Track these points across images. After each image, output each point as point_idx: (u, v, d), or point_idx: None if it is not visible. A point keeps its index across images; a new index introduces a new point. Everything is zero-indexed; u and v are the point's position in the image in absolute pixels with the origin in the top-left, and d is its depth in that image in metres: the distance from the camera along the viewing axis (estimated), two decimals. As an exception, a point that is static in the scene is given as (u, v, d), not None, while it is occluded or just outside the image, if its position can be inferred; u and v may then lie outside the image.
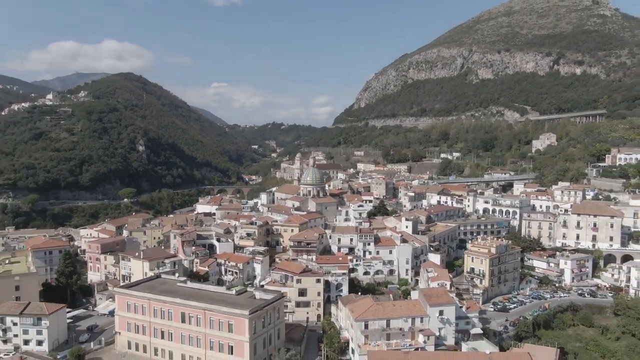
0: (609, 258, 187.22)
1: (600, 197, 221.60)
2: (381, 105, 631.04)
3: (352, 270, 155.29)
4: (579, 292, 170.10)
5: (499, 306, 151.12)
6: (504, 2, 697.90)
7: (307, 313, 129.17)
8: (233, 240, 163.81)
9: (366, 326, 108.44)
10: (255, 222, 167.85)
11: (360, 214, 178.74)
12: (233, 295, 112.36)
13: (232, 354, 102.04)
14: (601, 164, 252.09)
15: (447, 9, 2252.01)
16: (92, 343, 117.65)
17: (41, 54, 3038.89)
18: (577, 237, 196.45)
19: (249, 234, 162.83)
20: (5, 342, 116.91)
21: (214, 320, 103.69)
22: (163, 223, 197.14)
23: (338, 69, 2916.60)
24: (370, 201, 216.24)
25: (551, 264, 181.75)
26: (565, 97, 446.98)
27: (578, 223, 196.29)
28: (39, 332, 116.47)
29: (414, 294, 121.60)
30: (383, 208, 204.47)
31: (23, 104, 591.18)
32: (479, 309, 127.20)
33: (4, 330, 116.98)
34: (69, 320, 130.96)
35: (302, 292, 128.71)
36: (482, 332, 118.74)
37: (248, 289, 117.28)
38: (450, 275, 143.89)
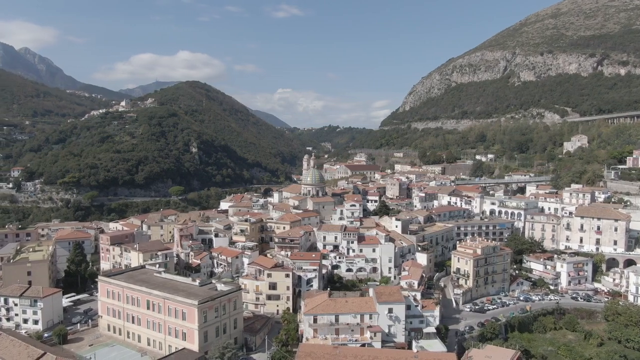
0: (612, 262, 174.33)
1: (613, 199, 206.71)
2: (424, 108, 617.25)
3: (336, 267, 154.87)
4: (573, 295, 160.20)
5: (477, 307, 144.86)
6: (553, 4, 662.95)
7: (277, 306, 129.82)
8: (230, 236, 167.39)
9: (315, 320, 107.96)
10: (249, 219, 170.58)
11: (352, 213, 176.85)
12: (196, 286, 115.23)
13: (185, 340, 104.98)
14: (621, 166, 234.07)
15: (497, 13, 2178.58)
16: (78, 324, 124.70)
17: (124, 65, 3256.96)
18: (581, 240, 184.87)
19: (242, 230, 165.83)
20: (8, 320, 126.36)
21: (172, 308, 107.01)
22: (179, 218, 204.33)
23: (396, 74, 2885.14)
24: (375, 201, 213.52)
25: (548, 267, 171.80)
26: (607, 99, 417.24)
27: (582, 226, 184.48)
28: (35, 313, 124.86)
29: (372, 292, 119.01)
30: (384, 207, 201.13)
31: (100, 111, 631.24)
32: (438, 309, 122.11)
33: (7, 310, 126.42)
34: (69, 303, 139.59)
35: (272, 286, 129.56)
36: (435, 331, 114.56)
37: (213, 281, 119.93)
38: (423, 274, 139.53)
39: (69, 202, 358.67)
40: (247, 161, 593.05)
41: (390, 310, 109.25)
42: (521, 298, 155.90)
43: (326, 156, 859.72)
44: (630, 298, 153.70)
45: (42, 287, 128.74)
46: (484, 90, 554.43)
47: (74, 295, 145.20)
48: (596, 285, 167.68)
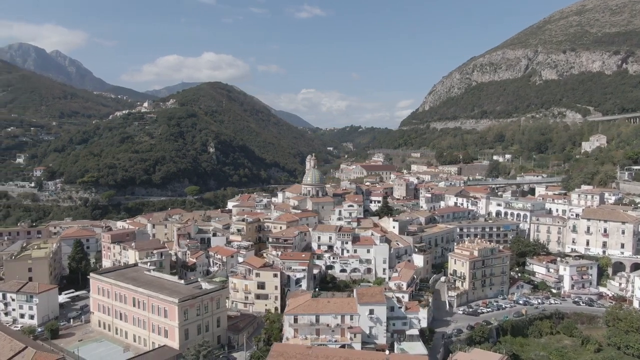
0: (619, 266, 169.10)
1: (624, 201, 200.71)
2: (444, 108, 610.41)
3: (330, 267, 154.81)
4: (575, 299, 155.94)
5: (471, 309, 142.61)
6: (578, 1, 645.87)
7: (266, 305, 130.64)
8: (227, 236, 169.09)
9: (295, 320, 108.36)
10: (246, 219, 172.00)
11: (350, 213, 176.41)
12: (182, 284, 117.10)
13: (167, 337, 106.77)
14: (636, 167, 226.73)
15: (521, 11, 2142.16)
16: (71, 320, 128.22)
17: (150, 67, 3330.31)
18: (587, 243, 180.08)
19: (238, 230, 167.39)
20: (6, 314, 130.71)
21: (155, 306, 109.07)
22: (183, 218, 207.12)
23: (420, 73, 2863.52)
24: (379, 201, 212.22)
25: (550, 270, 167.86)
26: (631, 97, 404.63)
27: (588, 228, 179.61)
28: (31, 308, 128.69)
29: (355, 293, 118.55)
30: (386, 208, 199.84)
31: (123, 112, 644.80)
32: (426, 311, 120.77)
33: (6, 304, 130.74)
34: (66, 299, 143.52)
35: (261, 285, 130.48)
36: (417, 333, 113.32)
37: (199, 279, 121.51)
38: (414, 276, 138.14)
39: (87, 201, 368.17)
40: (265, 161, 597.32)
41: (371, 312, 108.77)
42: (520, 301, 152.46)
43: (346, 156, 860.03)
44: (636, 303, 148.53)
45: (38, 283, 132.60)
46: (504, 90, 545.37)
47: (72, 292, 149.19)
48: (601, 289, 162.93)
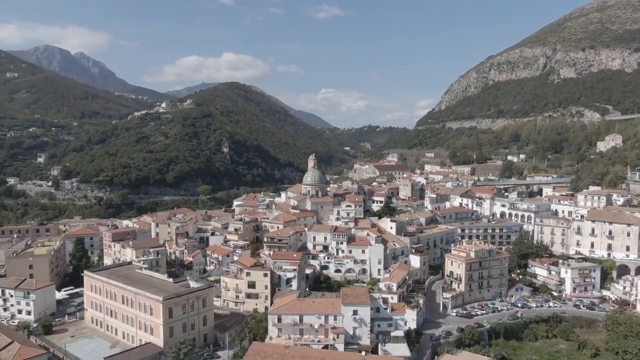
0: (624, 269, 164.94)
1: (633, 202, 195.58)
2: (460, 108, 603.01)
3: (324, 267, 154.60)
4: (576, 303, 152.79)
5: (464, 312, 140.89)
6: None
7: (256, 304, 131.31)
8: (225, 235, 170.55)
9: (279, 320, 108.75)
10: (243, 218, 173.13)
11: (348, 213, 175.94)
12: (170, 283, 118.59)
13: (152, 334, 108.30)
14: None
15: (542, 9, 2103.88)
16: (66, 316, 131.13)
17: (171, 67, 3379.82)
18: (592, 245, 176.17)
19: (236, 229, 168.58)
20: (5, 310, 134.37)
21: (141, 303, 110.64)
22: (186, 217, 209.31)
23: (441, 72, 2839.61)
24: (381, 202, 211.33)
25: (552, 272, 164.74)
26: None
27: (592, 230, 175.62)
28: (28, 304, 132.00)
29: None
30: (387, 208, 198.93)
31: (141, 112, 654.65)
32: (415, 312, 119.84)
33: (4, 300, 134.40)
34: (65, 296, 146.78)
35: (251, 285, 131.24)
36: (402, 335, 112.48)
37: (188, 278, 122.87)
38: (407, 277, 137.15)
39: (101, 200, 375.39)
40: (280, 161, 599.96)
41: (355, 312, 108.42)
42: (518, 304, 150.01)
43: (362, 156, 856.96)
44: (639, 308, 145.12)
45: (35, 280, 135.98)
46: (521, 89, 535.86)
47: (71, 289, 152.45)
48: (605, 293, 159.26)
